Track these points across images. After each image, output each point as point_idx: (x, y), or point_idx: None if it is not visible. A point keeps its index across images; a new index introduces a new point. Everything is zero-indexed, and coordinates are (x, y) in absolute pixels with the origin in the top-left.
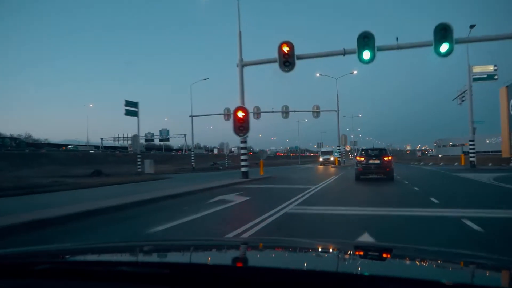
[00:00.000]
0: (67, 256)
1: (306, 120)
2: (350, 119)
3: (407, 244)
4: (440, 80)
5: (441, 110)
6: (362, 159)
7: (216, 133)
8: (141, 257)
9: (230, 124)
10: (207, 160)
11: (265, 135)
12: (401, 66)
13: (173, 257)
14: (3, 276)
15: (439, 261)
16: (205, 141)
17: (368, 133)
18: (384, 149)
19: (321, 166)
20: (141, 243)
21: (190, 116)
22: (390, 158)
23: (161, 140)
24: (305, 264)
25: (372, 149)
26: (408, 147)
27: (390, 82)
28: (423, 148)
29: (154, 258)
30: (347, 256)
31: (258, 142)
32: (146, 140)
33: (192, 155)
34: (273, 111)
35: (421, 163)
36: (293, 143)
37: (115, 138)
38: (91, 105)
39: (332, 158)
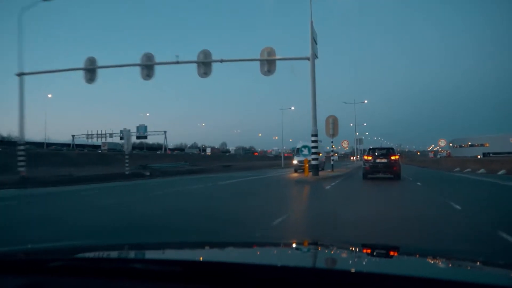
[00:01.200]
0: (80, 254)
1: (292, 108)
2: (352, 109)
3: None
4: (448, 79)
5: (454, 109)
6: (370, 158)
7: (216, 132)
8: (152, 255)
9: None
10: (179, 160)
11: (265, 134)
12: (408, 65)
13: (184, 255)
14: (18, 272)
15: (441, 261)
16: (206, 141)
17: (376, 132)
18: (392, 148)
19: (295, 175)
20: (151, 242)
21: (17, 75)
22: (397, 157)
23: (138, 137)
24: (308, 263)
25: (380, 148)
26: (442, 143)
27: (397, 80)
28: (434, 149)
29: (164, 256)
30: (353, 256)
31: (258, 141)
32: (121, 138)
33: (21, 154)
34: (177, 62)
35: (476, 170)
36: (297, 143)
37: (88, 135)
38: (49, 95)
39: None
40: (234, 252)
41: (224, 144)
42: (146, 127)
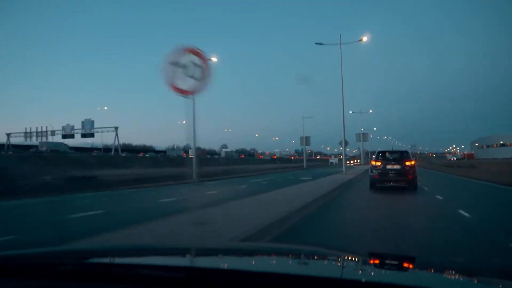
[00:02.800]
0: (89, 258)
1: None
2: (352, 99)
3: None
4: (468, 71)
5: (476, 105)
6: (379, 163)
7: (219, 136)
8: (158, 260)
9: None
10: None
11: (265, 134)
12: (419, 58)
13: (191, 261)
14: (27, 276)
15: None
16: (210, 143)
17: (385, 132)
18: (406, 152)
19: None
20: (157, 245)
21: None
22: (413, 163)
23: (83, 135)
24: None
25: (391, 152)
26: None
27: (410, 75)
28: (452, 151)
29: (172, 261)
30: (356, 264)
31: (259, 143)
32: (64, 136)
33: None
34: None
35: None
36: (299, 145)
37: (26, 133)
38: None
39: None
40: (237, 258)
41: (224, 146)
42: (92, 122)
